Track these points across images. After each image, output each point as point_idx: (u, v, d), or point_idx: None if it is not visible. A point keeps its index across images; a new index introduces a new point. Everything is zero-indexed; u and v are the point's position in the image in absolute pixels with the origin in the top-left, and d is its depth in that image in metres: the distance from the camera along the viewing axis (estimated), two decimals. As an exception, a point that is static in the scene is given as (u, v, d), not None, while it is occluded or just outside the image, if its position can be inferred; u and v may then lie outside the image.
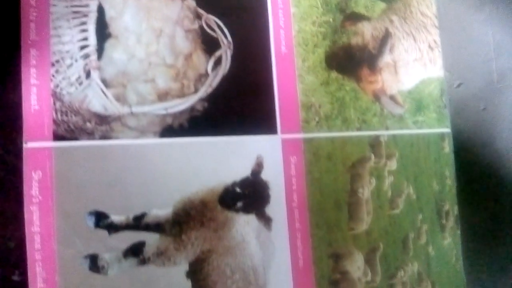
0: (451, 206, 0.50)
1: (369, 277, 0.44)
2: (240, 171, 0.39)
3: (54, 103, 0.33)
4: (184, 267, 0.36)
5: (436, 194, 0.49)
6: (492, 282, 0.49)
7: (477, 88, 0.50)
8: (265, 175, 0.40)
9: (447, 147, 0.51)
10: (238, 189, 0.39)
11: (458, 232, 0.51)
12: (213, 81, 0.38)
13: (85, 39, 0.35)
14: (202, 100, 0.38)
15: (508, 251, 0.48)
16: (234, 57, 0.39)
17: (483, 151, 0.50)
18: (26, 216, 0.31)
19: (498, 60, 0.49)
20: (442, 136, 0.50)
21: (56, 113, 0.33)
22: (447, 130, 0.51)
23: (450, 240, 0.50)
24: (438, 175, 0.50)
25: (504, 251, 0.49)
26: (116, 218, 0.34)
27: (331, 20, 0.45)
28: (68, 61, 0.34)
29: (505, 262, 0.49)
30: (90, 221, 0.33)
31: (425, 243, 0.48)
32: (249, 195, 0.39)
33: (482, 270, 0.50)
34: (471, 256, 0.51)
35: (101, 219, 0.33)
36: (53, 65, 0.33)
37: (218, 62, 0.39)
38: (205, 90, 0.38)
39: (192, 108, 0.37)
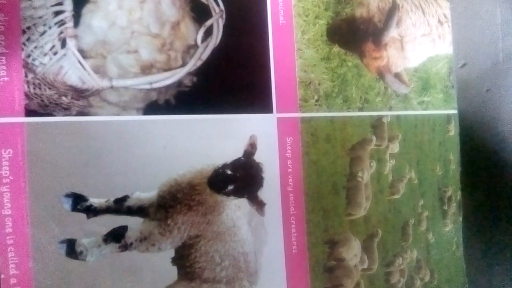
0: (454, 192, 0.48)
1: (366, 265, 0.42)
2: (231, 152, 0.36)
3: (26, 75, 0.30)
4: (169, 253, 0.34)
5: (439, 179, 0.47)
6: (492, 270, 0.48)
7: (481, 69, 0.47)
8: (258, 157, 0.37)
9: (453, 130, 0.48)
10: (229, 171, 0.36)
11: (460, 218, 0.49)
12: (203, 53, 0.35)
13: (60, 3, 0.31)
14: (190, 74, 0.35)
15: (510, 238, 0.46)
16: (226, 27, 0.36)
17: (485, 134, 0.47)
18: (-5, 197, 0.29)
19: (505, 40, 0.46)
20: (448, 118, 0.48)
21: (28, 86, 0.30)
22: (453, 111, 0.48)
23: (451, 227, 0.48)
24: (442, 159, 0.47)
25: (506, 238, 0.47)
26: (95, 200, 0.31)
27: (334, -11, 0.41)
28: (40, 28, 0.30)
29: (506, 250, 0.47)
30: (67, 204, 0.31)
31: (425, 229, 0.46)
32: (241, 177, 0.36)
33: (482, 257, 0.49)
34: (472, 243, 0.49)
35: (78, 202, 0.31)
36: (24, 32, 0.30)
37: (208, 33, 0.35)
38: (194, 63, 0.35)
39: (179, 83, 0.34)
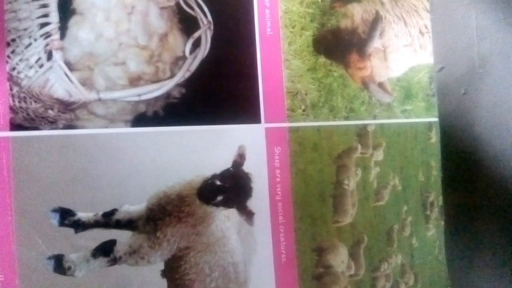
0: (436, 197, 0.50)
1: (352, 271, 0.43)
2: (220, 162, 0.36)
3: (11, 88, 0.29)
4: (159, 266, 0.34)
5: (421, 185, 0.48)
6: (475, 272, 0.49)
7: (458, 73, 0.49)
8: (247, 167, 0.37)
9: (434, 137, 0.49)
10: (218, 182, 0.36)
11: (442, 223, 0.50)
12: (191, 65, 0.35)
13: (46, 15, 0.31)
14: (179, 85, 0.35)
15: (490, 241, 0.48)
16: (214, 39, 0.36)
17: (462, 136, 0.49)
18: (-21, 214, 0.28)
19: (480, 44, 0.47)
20: (429, 126, 0.49)
21: (13, 99, 0.29)
22: (434, 119, 0.49)
23: (434, 231, 0.49)
24: (424, 166, 0.49)
25: (485, 240, 0.48)
26: (83, 215, 0.31)
27: (319, 0, 0.42)
28: (26, 40, 0.30)
29: (485, 251, 0.48)
30: (54, 219, 0.30)
31: (409, 235, 0.47)
32: (230, 188, 0.36)
33: (464, 260, 0.50)
34: (453, 246, 0.51)
35: (66, 217, 0.30)
36: (8, 44, 0.29)
37: (197, 44, 0.35)
38: (182, 74, 0.35)
39: (168, 95, 0.34)
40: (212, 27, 0.36)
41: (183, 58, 0.35)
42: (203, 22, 0.36)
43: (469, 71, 0.48)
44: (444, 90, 0.50)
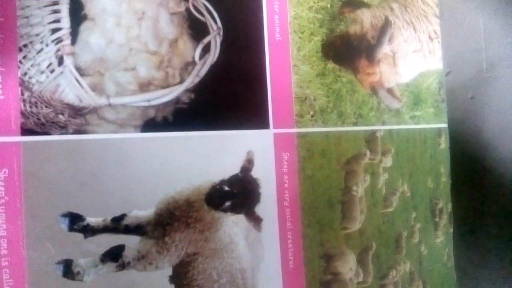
0: (445, 204, 0.49)
1: (361, 278, 0.42)
2: (228, 168, 0.36)
3: (22, 93, 0.30)
4: (167, 271, 0.33)
5: (430, 192, 0.48)
6: (483, 279, 0.49)
7: (465, 77, 0.48)
8: (255, 173, 0.37)
9: (443, 143, 0.49)
10: (226, 188, 0.36)
11: (451, 230, 0.50)
12: (201, 70, 0.35)
13: (57, 21, 0.31)
14: (188, 91, 0.35)
15: (500, 248, 0.47)
16: (224, 44, 0.36)
17: (470, 142, 0.48)
18: (-10, 219, 0.28)
19: (488, 49, 0.47)
20: (439, 132, 0.49)
21: (24, 104, 0.30)
22: (444, 125, 0.49)
23: (443, 238, 0.49)
24: (433, 172, 0.48)
25: (494, 246, 0.48)
26: (93, 220, 0.31)
27: (328, 5, 0.42)
28: (37, 46, 0.30)
29: (494, 258, 0.48)
30: (64, 224, 0.30)
31: (418, 242, 0.47)
32: (238, 194, 0.36)
33: (473, 267, 0.49)
34: (462, 253, 0.50)
35: (75, 222, 0.30)
36: (20, 50, 0.30)
37: (206, 50, 0.36)
38: (191, 80, 0.35)
39: (177, 100, 0.34)
40: (221, 33, 0.36)
41: (193, 63, 0.35)
42: (212, 28, 0.36)
43: (477, 75, 0.48)
44: (451, 94, 0.49)
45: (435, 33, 0.48)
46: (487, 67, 0.47)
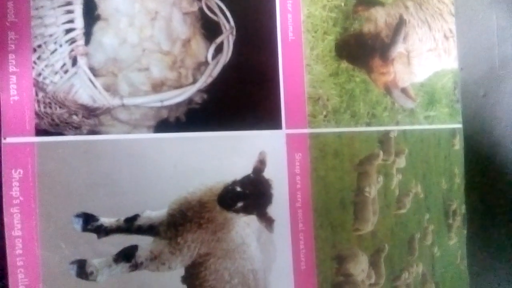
0: (459, 205, 0.48)
1: (373, 280, 0.42)
2: (241, 168, 0.36)
3: (36, 94, 0.30)
4: (179, 271, 0.33)
5: (444, 193, 0.47)
6: (497, 282, 0.48)
7: (478, 74, 0.48)
8: (267, 173, 0.37)
9: (458, 144, 0.48)
10: (238, 188, 0.36)
11: (464, 231, 0.49)
12: (214, 70, 0.35)
13: (71, 21, 0.31)
14: (201, 91, 0.35)
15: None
16: (236, 44, 0.36)
17: (483, 141, 0.48)
18: (6, 219, 0.28)
19: (501, 46, 0.46)
20: (453, 132, 0.48)
21: (38, 105, 0.30)
22: (458, 125, 0.48)
23: (456, 240, 0.48)
24: (447, 173, 0.47)
25: (509, 249, 0.47)
26: (106, 220, 0.31)
27: (342, 4, 0.41)
28: (51, 46, 0.30)
29: (510, 262, 0.47)
30: (77, 224, 0.30)
31: (430, 243, 0.46)
32: (250, 194, 0.36)
33: (486, 270, 0.49)
34: (475, 256, 0.49)
35: (89, 222, 0.31)
36: (34, 50, 0.30)
37: (219, 49, 0.35)
38: (204, 80, 0.35)
39: (190, 100, 0.34)
40: (234, 32, 0.36)
41: (205, 63, 0.35)
42: (225, 28, 0.35)
43: (489, 73, 0.47)
44: (464, 92, 0.49)
45: (451, 31, 0.48)
46: (500, 65, 0.46)
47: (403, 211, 0.44)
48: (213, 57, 0.35)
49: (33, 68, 0.30)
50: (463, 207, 0.49)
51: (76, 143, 0.30)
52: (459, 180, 0.48)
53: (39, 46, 0.30)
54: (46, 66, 0.30)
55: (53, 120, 0.30)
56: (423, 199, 0.46)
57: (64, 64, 0.30)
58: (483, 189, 0.48)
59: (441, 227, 0.47)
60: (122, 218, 0.32)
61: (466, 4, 0.48)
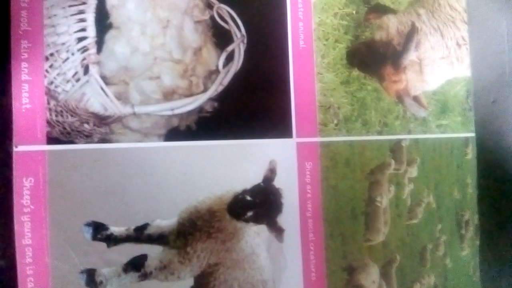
0: (471, 216, 0.47)
1: (384, 291, 0.41)
2: (251, 177, 0.36)
3: (48, 102, 0.30)
4: (189, 282, 0.33)
5: (456, 203, 0.46)
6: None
7: (487, 80, 0.47)
8: (278, 182, 0.37)
9: (470, 153, 0.47)
10: (248, 197, 0.35)
11: (477, 242, 0.48)
12: (224, 78, 0.35)
13: (83, 30, 0.31)
14: (212, 99, 0.34)
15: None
16: (247, 52, 0.36)
17: (495, 150, 0.47)
18: (16, 227, 0.28)
19: (511, 52, 0.45)
20: (466, 141, 0.47)
21: (50, 113, 0.30)
22: (471, 134, 0.47)
23: (469, 251, 0.47)
24: (460, 183, 0.47)
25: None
26: (116, 229, 0.31)
27: (354, 12, 0.41)
28: (63, 55, 0.30)
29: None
30: (87, 233, 0.30)
31: (443, 254, 0.45)
32: (260, 203, 0.36)
33: (499, 281, 0.48)
34: (488, 267, 0.48)
35: (99, 231, 0.30)
36: (47, 59, 0.30)
37: (230, 58, 0.35)
38: (215, 88, 0.34)
39: (200, 109, 0.34)
40: (245, 41, 0.36)
41: (216, 72, 0.35)
42: (236, 36, 0.35)
43: (499, 79, 0.46)
44: (473, 99, 0.48)
45: (463, 39, 0.47)
46: (510, 71, 0.46)
47: (415, 221, 0.43)
48: (224, 65, 0.35)
49: (45, 76, 0.30)
50: (476, 217, 0.48)
51: (87, 152, 0.30)
52: (471, 190, 0.48)
53: (52, 54, 0.30)
54: (58, 74, 0.30)
55: (64, 128, 0.30)
56: (435, 209, 0.45)
57: (76, 73, 0.30)
58: (496, 200, 0.48)
59: (453, 238, 0.46)
60: (132, 227, 0.31)
61: (476, 11, 0.48)
